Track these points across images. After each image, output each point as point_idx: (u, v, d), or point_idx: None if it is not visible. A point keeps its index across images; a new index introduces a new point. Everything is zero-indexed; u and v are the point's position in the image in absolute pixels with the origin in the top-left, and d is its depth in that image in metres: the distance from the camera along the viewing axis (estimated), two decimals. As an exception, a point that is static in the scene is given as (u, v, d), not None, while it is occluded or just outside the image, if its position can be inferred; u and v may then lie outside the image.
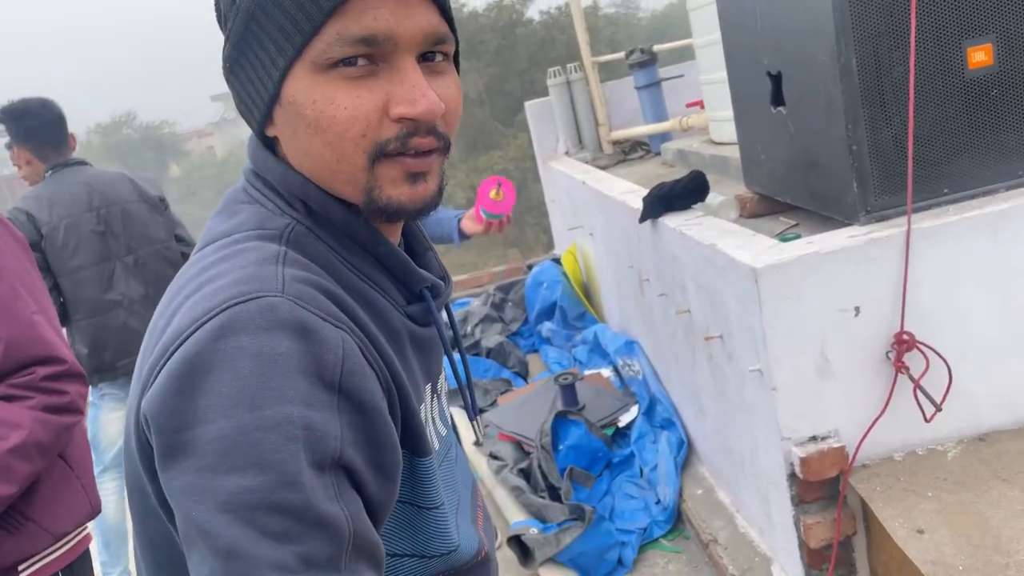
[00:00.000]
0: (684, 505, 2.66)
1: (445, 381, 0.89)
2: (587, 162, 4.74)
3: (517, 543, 2.59)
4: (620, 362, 3.42)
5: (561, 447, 2.90)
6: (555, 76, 5.00)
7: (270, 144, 0.76)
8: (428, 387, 0.81)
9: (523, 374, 4.10)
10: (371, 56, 0.67)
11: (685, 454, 2.81)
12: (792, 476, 1.95)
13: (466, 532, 0.82)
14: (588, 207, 3.92)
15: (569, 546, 2.47)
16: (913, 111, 1.84)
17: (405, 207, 0.71)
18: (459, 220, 2.38)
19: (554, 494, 2.75)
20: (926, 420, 1.86)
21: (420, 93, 0.68)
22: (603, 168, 4.53)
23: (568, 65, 5.02)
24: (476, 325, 4.50)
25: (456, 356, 0.88)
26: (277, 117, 0.71)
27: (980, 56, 1.86)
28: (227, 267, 0.66)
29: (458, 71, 0.76)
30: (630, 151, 4.90)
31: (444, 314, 0.91)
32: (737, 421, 2.25)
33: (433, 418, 0.82)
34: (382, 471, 0.64)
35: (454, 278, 5.67)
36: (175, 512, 0.61)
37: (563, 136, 5.09)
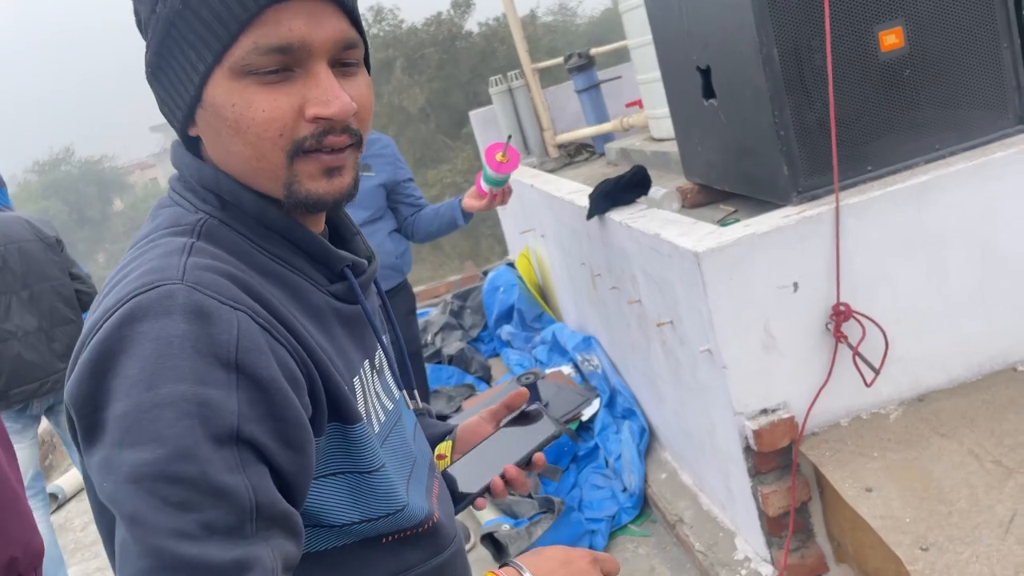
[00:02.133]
0: (649, 490, 2.74)
1: (388, 359, 0.94)
2: (534, 167, 4.82)
3: (491, 540, 2.64)
4: (579, 358, 3.49)
5: (527, 444, 2.96)
6: (497, 84, 5.08)
7: (193, 144, 0.81)
8: (366, 363, 0.87)
9: (486, 378, 4.15)
10: (287, 63, 0.73)
11: (647, 441, 2.89)
12: (747, 449, 2.03)
13: (416, 496, 0.87)
14: (538, 209, 3.99)
15: (541, 538, 2.53)
16: (833, 95, 1.95)
17: (323, 199, 0.77)
18: (460, 201, 2.50)
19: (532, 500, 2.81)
20: (867, 385, 1.96)
21: (333, 95, 0.73)
22: (550, 171, 4.62)
23: (509, 73, 5.11)
24: (436, 334, 4.55)
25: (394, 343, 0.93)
26: (199, 118, 0.76)
27: (892, 39, 1.98)
28: (138, 263, 0.72)
29: (368, 72, 0.82)
30: (575, 153, 5.00)
31: (377, 296, 0.96)
32: (693, 403, 2.34)
33: (376, 392, 0.87)
34: (289, 444, 0.69)
35: (416, 289, 5.67)
36: (95, 487, 0.66)
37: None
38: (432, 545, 0.90)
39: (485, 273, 5.03)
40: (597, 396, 3.23)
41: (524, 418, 1.10)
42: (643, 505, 2.77)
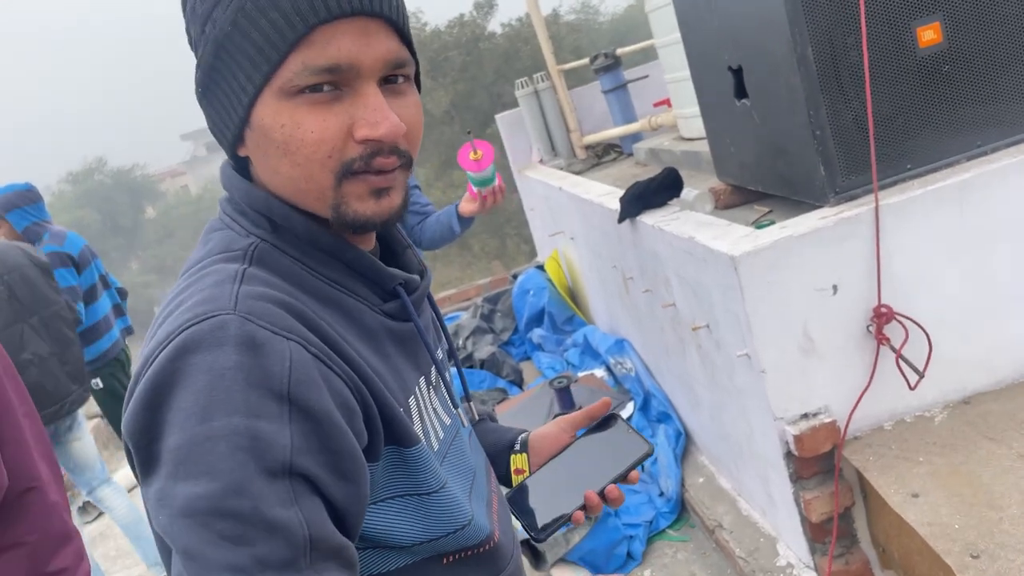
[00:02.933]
0: (687, 494, 2.71)
1: (442, 373, 0.93)
2: (562, 168, 4.80)
3: (528, 547, 2.62)
4: (612, 361, 3.47)
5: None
6: (523, 87, 5.07)
7: (243, 164, 0.81)
8: (422, 379, 0.85)
9: (518, 382, 4.15)
10: (335, 82, 0.72)
11: (683, 445, 2.87)
12: (788, 454, 2.00)
13: (478, 512, 0.86)
14: (567, 212, 3.98)
15: (578, 544, 2.52)
16: (870, 93, 1.92)
17: (372, 220, 0.76)
18: (456, 207, 2.47)
19: (537, 540, 2.79)
20: (911, 388, 1.92)
21: (382, 116, 0.72)
22: (578, 173, 4.60)
23: (535, 75, 5.09)
24: (467, 338, 4.55)
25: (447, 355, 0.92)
26: (248, 139, 0.76)
27: (930, 35, 1.93)
28: (191, 292, 0.72)
29: (419, 90, 0.81)
30: (603, 154, 4.98)
31: (430, 308, 0.95)
32: (731, 407, 2.31)
33: (434, 408, 0.86)
34: (343, 476, 0.68)
35: (440, 295, 5.69)
36: (151, 518, 0.66)
37: (536, 145, 5.16)
38: (492, 565, 0.89)
39: (515, 276, 5.02)
40: (631, 399, 3.20)
41: (603, 427, 1.05)
42: (681, 510, 2.74)
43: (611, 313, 3.71)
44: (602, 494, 0.97)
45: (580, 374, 3.68)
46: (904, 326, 1.91)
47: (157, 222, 38.76)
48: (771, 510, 2.27)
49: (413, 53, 0.78)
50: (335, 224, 0.77)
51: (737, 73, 2.29)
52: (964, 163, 1.98)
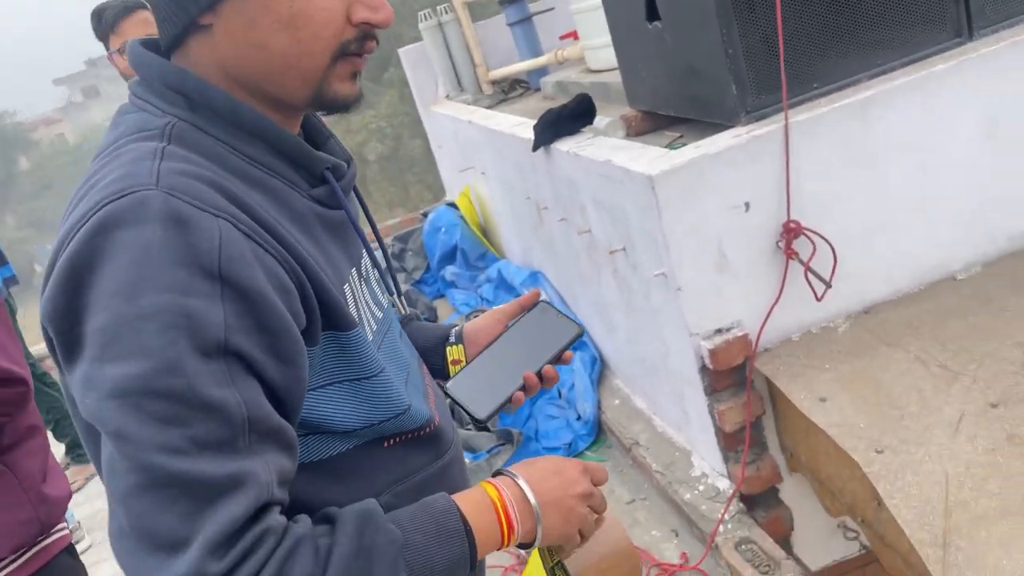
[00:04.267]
0: (604, 416, 2.78)
1: (376, 266, 0.91)
2: (469, 104, 4.73)
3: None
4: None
5: (480, 380, 2.96)
6: (426, 19, 4.94)
7: (156, 46, 0.77)
8: (353, 270, 0.84)
9: (432, 319, 4.13)
10: None
11: (599, 370, 2.93)
12: (703, 369, 2.07)
13: (416, 400, 0.86)
14: (478, 146, 3.93)
15: (500, 468, 2.55)
16: (780, 12, 1.94)
17: (348, 101, 0.77)
18: None
19: (480, 425, 2.81)
20: (818, 299, 2.01)
21: (380, 1, 0.74)
22: (487, 109, 4.54)
23: (438, 7, 4.96)
24: (378, 278, 4.48)
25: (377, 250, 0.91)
26: (227, 8, 0.72)
27: (835, -46, 1.97)
28: (106, 171, 0.68)
29: None
30: (510, 89, 4.92)
31: (358, 202, 0.93)
32: (647, 328, 2.36)
33: (365, 301, 0.85)
34: (280, 357, 0.67)
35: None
36: (77, 404, 0.64)
37: (442, 80, 5.05)
38: (434, 448, 0.90)
39: (425, 215, 4.95)
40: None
41: (533, 315, 1.07)
42: (598, 432, 2.81)
43: (525, 246, 3.71)
44: (539, 374, 0.99)
45: (495, 308, 3.70)
46: (812, 240, 1.98)
47: (33, 174, 36.23)
48: (685, 425, 2.35)
49: None
50: (307, 103, 0.76)
51: (649, -6, 2.28)
52: (866, 81, 2.05)
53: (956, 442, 1.68)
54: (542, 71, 4.60)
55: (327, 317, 0.74)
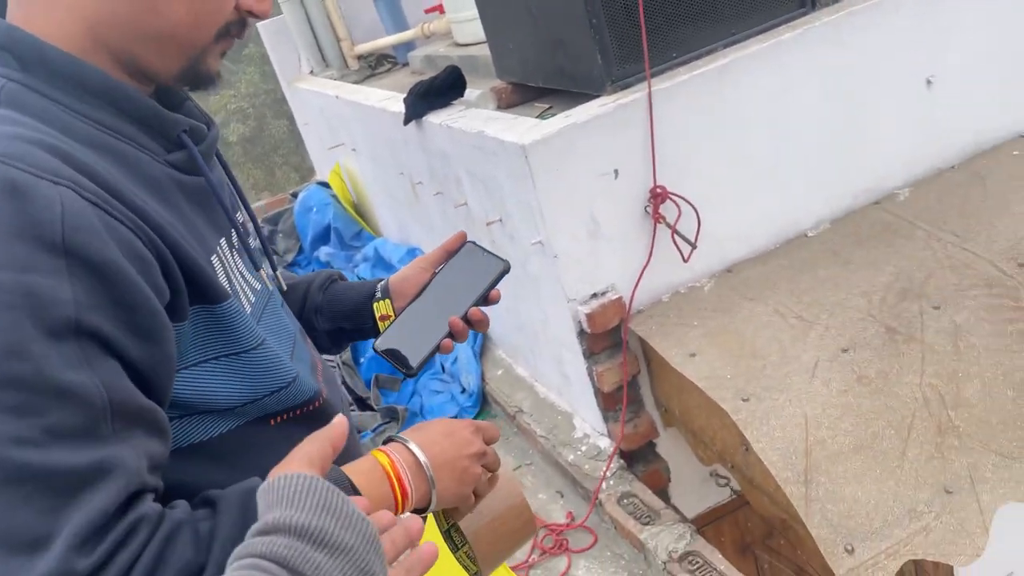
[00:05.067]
0: (487, 387, 2.81)
1: (244, 237, 0.88)
2: (335, 79, 4.61)
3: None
4: (404, 270, 3.46)
5: (362, 360, 2.93)
6: (286, -8, 4.76)
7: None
8: (223, 240, 0.80)
9: (307, 302, 4.03)
10: None
11: (482, 341, 2.95)
12: (581, 333, 2.13)
13: (303, 372, 0.84)
14: (346, 122, 3.84)
15: (392, 435, 2.54)
16: (639, -18, 2.00)
17: (213, 79, 0.78)
18: None
19: (364, 405, 2.78)
20: (684, 260, 2.10)
21: None
22: (354, 84, 4.44)
23: (298, -21, 4.78)
24: (248, 261, 4.32)
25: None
26: None
27: (688, -73, 2.04)
28: None
29: None
30: (376, 64, 4.82)
31: (221, 168, 0.90)
32: (526, 297, 2.40)
33: (239, 272, 0.82)
34: (141, 334, 0.63)
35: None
36: None
37: (305, 55, 4.90)
38: (323, 422, 0.86)
39: (295, 195, 4.81)
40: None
41: (459, 257, 1.05)
42: (483, 403, 2.84)
43: (400, 223, 3.68)
44: (466, 319, 0.98)
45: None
46: (677, 204, 2.07)
47: None
48: (566, 388, 2.42)
49: None
50: (176, 76, 0.75)
51: (513, -35, 2.30)
52: (722, 50, 2.14)
53: (813, 386, 1.82)
54: (409, 45, 4.53)
55: (195, 289, 0.70)
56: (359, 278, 3.88)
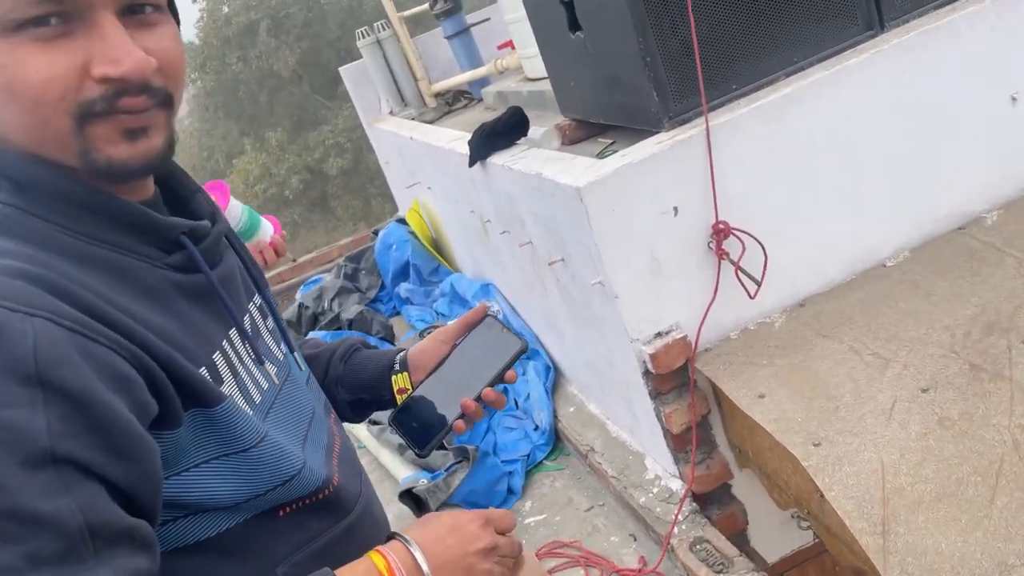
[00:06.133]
0: (560, 425, 2.79)
1: (265, 316, 0.89)
2: (413, 118, 4.72)
3: (410, 496, 2.64)
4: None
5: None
6: (364, 37, 4.93)
7: None
8: (232, 331, 0.81)
9: (388, 338, 4.11)
10: (63, 14, 0.65)
11: (553, 378, 2.94)
12: (646, 373, 2.09)
13: (313, 458, 0.84)
14: (421, 161, 3.93)
15: (459, 487, 2.55)
16: (693, 17, 1.97)
17: (127, 165, 0.70)
18: None
19: (423, 458, 2.81)
20: (751, 297, 2.04)
21: (124, 51, 0.66)
22: (430, 122, 4.54)
23: (375, 24, 4.95)
24: (332, 299, 4.45)
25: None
26: None
27: (743, -43, 2.00)
28: None
29: (177, 22, 0.75)
30: (453, 101, 4.92)
31: (235, 255, 0.89)
32: (591, 335, 2.38)
33: (246, 365, 0.82)
34: (121, 455, 0.63)
35: (303, 259, 5.51)
36: None
37: (384, 96, 5.04)
38: (336, 510, 0.87)
39: (375, 232, 4.93)
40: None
41: (478, 332, 1.05)
42: (556, 440, 2.82)
43: (475, 258, 3.72)
44: (479, 398, 0.98)
45: (449, 323, 3.69)
46: (741, 240, 2.01)
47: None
48: (636, 428, 2.37)
49: None
50: (88, 174, 0.69)
51: (568, 6, 2.30)
52: (783, 79, 2.08)
53: (890, 429, 1.72)
54: (483, 81, 4.61)
55: (188, 396, 0.71)
56: (438, 313, 3.94)
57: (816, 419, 1.80)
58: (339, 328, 4.17)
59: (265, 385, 0.83)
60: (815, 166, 2.06)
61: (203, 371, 0.74)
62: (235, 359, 0.80)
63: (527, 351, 1.03)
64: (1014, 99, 2.11)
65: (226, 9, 19.56)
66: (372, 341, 4.08)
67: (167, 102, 0.71)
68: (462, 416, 0.98)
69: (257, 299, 0.90)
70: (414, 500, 2.64)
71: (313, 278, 5.10)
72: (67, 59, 0.65)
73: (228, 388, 0.77)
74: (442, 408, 0.98)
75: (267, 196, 19.45)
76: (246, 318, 0.85)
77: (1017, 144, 2.15)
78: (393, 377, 1.04)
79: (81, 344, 0.63)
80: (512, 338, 1.03)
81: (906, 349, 1.88)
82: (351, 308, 4.28)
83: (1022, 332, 1.80)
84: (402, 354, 1.07)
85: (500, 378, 1.01)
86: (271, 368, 0.86)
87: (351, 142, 18.57)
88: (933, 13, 2.10)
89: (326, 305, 4.45)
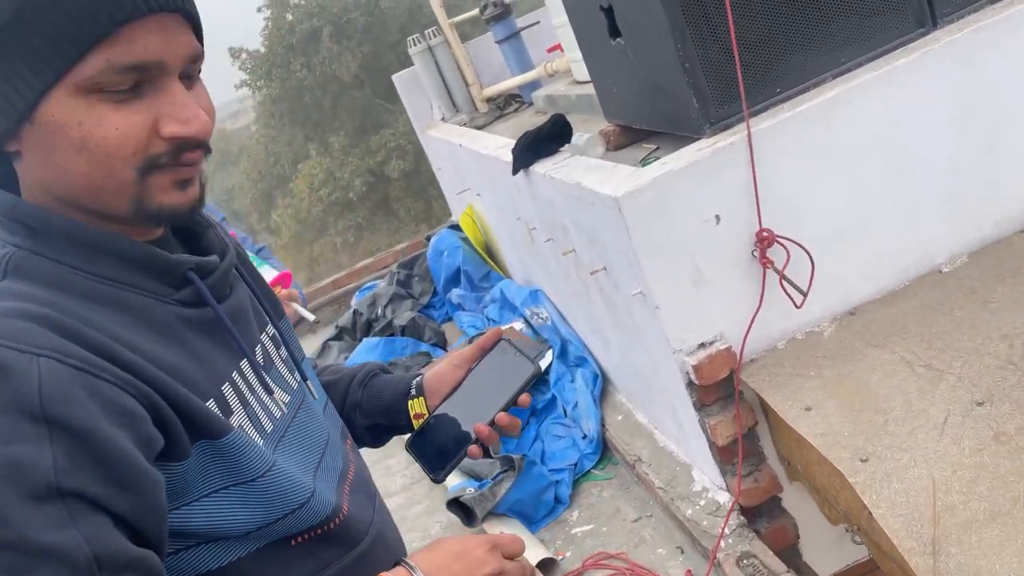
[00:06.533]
0: (608, 433, 2.77)
1: (278, 346, 0.91)
2: (464, 124, 4.75)
3: (457, 505, 2.65)
4: (528, 312, 3.49)
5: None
6: (415, 44, 4.97)
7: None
8: (243, 362, 0.83)
9: (441, 344, 4.15)
10: (140, 80, 0.71)
11: (601, 386, 2.92)
12: (690, 384, 2.05)
13: (324, 487, 0.86)
14: (470, 168, 3.95)
15: (506, 496, 2.55)
16: (733, 20, 1.92)
17: (177, 210, 0.76)
18: None
19: (484, 451, 2.82)
20: (797, 307, 1.98)
21: (192, 114, 0.73)
22: (480, 127, 4.56)
23: (427, 31, 4.99)
24: (386, 306, 4.52)
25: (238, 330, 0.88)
26: (27, 135, 0.72)
27: (784, -43, 1.94)
28: None
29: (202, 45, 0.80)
30: (505, 105, 4.93)
31: (246, 286, 0.92)
32: (636, 345, 2.35)
33: (264, 388, 0.85)
34: (127, 488, 0.66)
35: (359, 264, 5.59)
36: None
37: (436, 102, 5.08)
38: (347, 539, 0.89)
39: (428, 239, 4.98)
40: (550, 347, 3.23)
41: (493, 355, 1.06)
42: (604, 449, 2.80)
43: (523, 264, 3.72)
44: (493, 423, 0.98)
45: (503, 327, 3.70)
46: (786, 248, 1.96)
47: None
48: (683, 439, 2.33)
49: (202, 42, 0.78)
50: (134, 218, 0.75)
51: (608, 12, 2.28)
52: (830, 81, 2.02)
53: (942, 444, 1.65)
54: (534, 84, 4.60)
55: (195, 429, 0.73)
56: (489, 319, 3.95)
57: (864, 433, 1.74)
58: (392, 334, 4.22)
59: (277, 414, 0.85)
60: (864, 171, 1.99)
61: (211, 403, 0.76)
62: (245, 389, 0.82)
63: (540, 374, 1.03)
64: (1079, 94, 2.00)
65: (290, 17, 20.03)
66: (424, 347, 4.13)
67: (208, 153, 0.79)
68: (476, 441, 0.98)
69: (270, 329, 0.92)
70: (462, 508, 2.65)
71: (368, 284, 5.18)
72: (139, 118, 0.72)
73: (237, 418, 0.79)
74: (457, 433, 0.99)
75: (331, 200, 19.85)
76: (258, 348, 0.87)
77: (1084, 142, 2.04)
78: (409, 402, 1.05)
79: (86, 382, 0.66)
80: (525, 362, 1.03)
81: (961, 360, 1.80)
82: (404, 314, 4.33)
83: (1087, 342, 1.71)
84: (418, 379, 1.08)
85: (514, 402, 1.01)
86: (284, 397, 0.88)
87: (412, 144, 18.81)
88: (989, 8, 2.00)
89: (379, 311, 4.51)
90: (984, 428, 1.65)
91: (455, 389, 1.03)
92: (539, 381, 3.15)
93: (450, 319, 4.37)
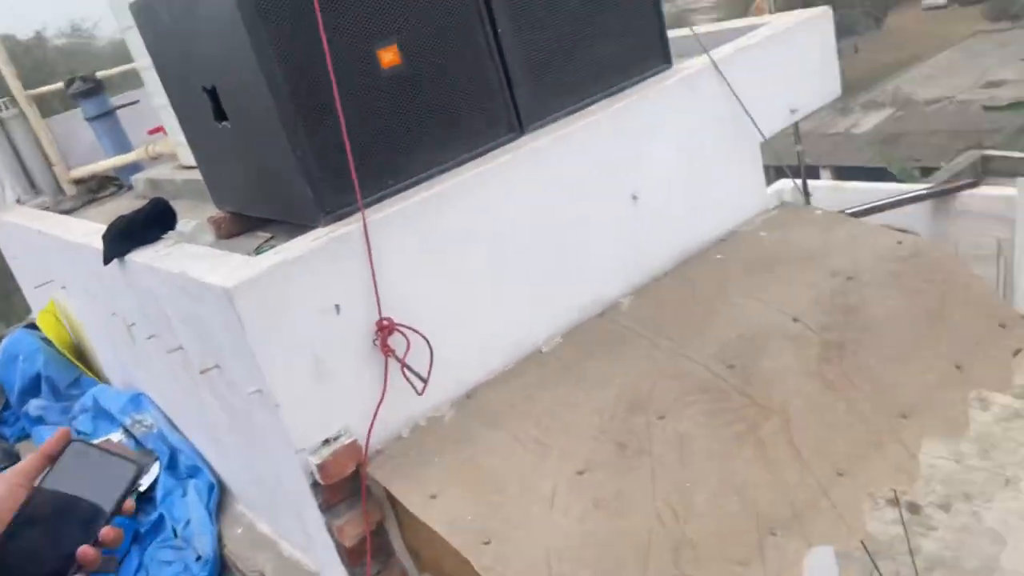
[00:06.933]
0: (226, 550, 2.50)
1: None
2: (47, 208, 4.15)
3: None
4: (129, 421, 3.07)
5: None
6: (-18, 115, 4.27)
7: None
8: None
9: (15, 467, 3.44)
10: None
11: (218, 497, 2.64)
12: (315, 485, 1.94)
13: None
14: (53, 257, 3.43)
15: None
16: (344, 113, 1.93)
17: None
18: None
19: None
20: (419, 394, 2.00)
21: None
22: (68, 212, 4.03)
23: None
24: (-65, 427, 3.65)
25: None
26: None
27: (389, 56, 2.02)
28: None
29: None
30: (99, 188, 4.43)
31: None
32: (256, 448, 2.17)
33: None
34: None
35: None
36: None
37: (9, 183, 4.39)
38: None
39: (-3, 341, 4.19)
40: (156, 459, 2.86)
41: (69, 463, 0.85)
42: (222, 569, 2.52)
43: (123, 366, 3.29)
44: (97, 543, 0.81)
45: (95, 441, 3.19)
46: (406, 335, 1.98)
47: None
48: (310, 546, 2.19)
49: None
50: None
51: (212, 94, 2.16)
52: (437, 176, 2.12)
53: (552, 517, 1.75)
54: (135, 167, 4.21)
55: None
56: (80, 432, 3.39)
57: (485, 516, 1.78)
58: (-55, 461, 3.41)
59: None
60: (469, 259, 2.11)
61: None
62: None
63: (145, 471, 0.86)
64: (635, 197, 2.37)
65: None
66: (-8, 473, 3.39)
67: None
68: (79, 570, 0.78)
69: None
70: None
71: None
72: None
73: None
74: (44, 564, 0.77)
75: None
76: None
77: (641, 235, 2.41)
78: None
79: None
80: (119, 461, 0.86)
81: (564, 433, 1.96)
82: (-37, 435, 3.54)
83: (657, 409, 1.97)
84: None
85: (118, 510, 0.83)
86: None
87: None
88: (564, 120, 2.30)
89: (-73, 434, 3.63)
90: (586, 496, 1.79)
91: (18, 518, 0.80)
92: (144, 500, 2.76)
93: (27, 436, 3.66)
